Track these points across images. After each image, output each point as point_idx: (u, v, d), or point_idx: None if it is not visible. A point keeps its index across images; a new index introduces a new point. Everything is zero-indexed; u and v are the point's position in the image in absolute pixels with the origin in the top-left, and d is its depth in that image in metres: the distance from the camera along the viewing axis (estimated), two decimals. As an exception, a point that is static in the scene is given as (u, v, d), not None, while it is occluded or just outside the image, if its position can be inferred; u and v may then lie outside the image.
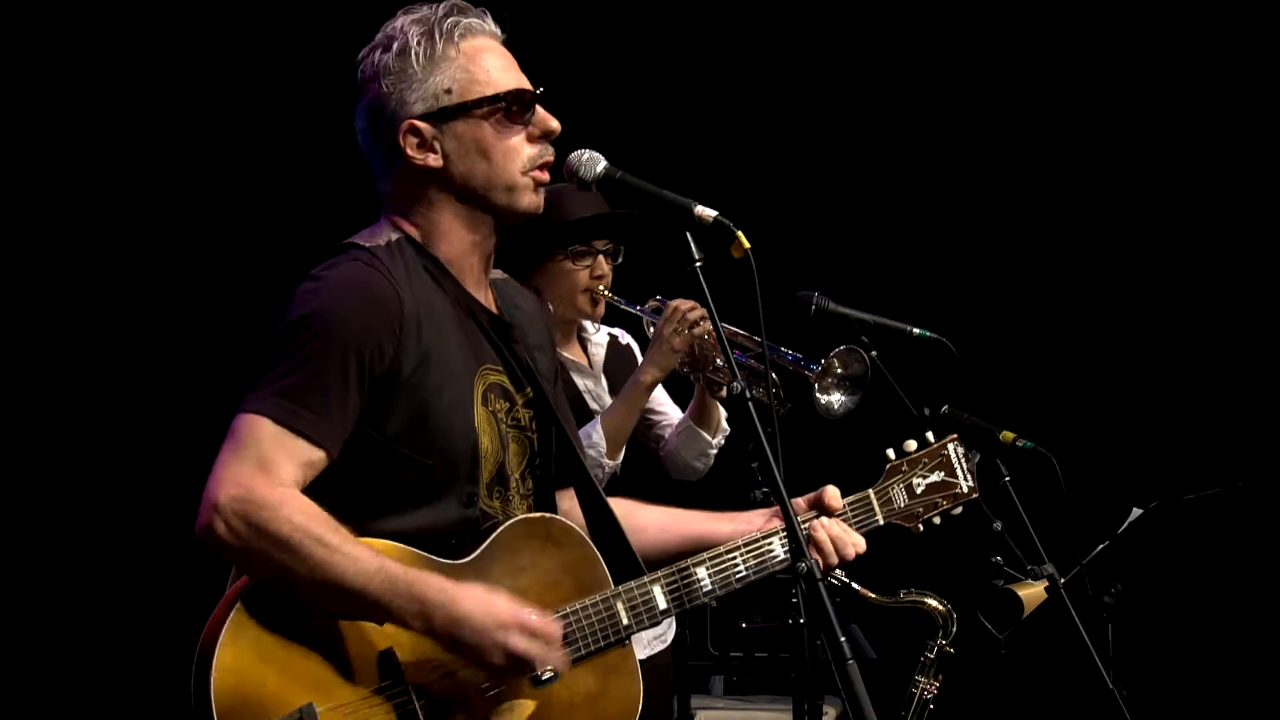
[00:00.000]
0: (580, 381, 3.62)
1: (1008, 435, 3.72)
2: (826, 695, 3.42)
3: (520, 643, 2.34)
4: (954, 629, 3.45)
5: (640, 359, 3.94)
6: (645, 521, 2.76)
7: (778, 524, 2.69)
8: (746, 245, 2.37)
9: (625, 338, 3.94)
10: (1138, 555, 4.15)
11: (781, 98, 5.74)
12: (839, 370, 3.65)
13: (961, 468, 2.85)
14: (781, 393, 3.77)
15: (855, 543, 2.67)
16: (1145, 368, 5.64)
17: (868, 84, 5.73)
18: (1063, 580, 3.51)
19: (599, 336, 3.91)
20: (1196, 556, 5.12)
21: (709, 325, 3.66)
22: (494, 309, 2.59)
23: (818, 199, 5.67)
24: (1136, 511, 4.13)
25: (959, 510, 2.83)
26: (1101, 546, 4.04)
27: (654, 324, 3.81)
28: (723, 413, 3.94)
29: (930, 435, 2.84)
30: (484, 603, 2.37)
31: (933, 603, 3.44)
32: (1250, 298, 5.70)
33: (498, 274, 2.78)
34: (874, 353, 3.57)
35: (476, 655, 2.35)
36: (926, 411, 3.56)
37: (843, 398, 3.67)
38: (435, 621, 2.33)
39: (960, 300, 5.51)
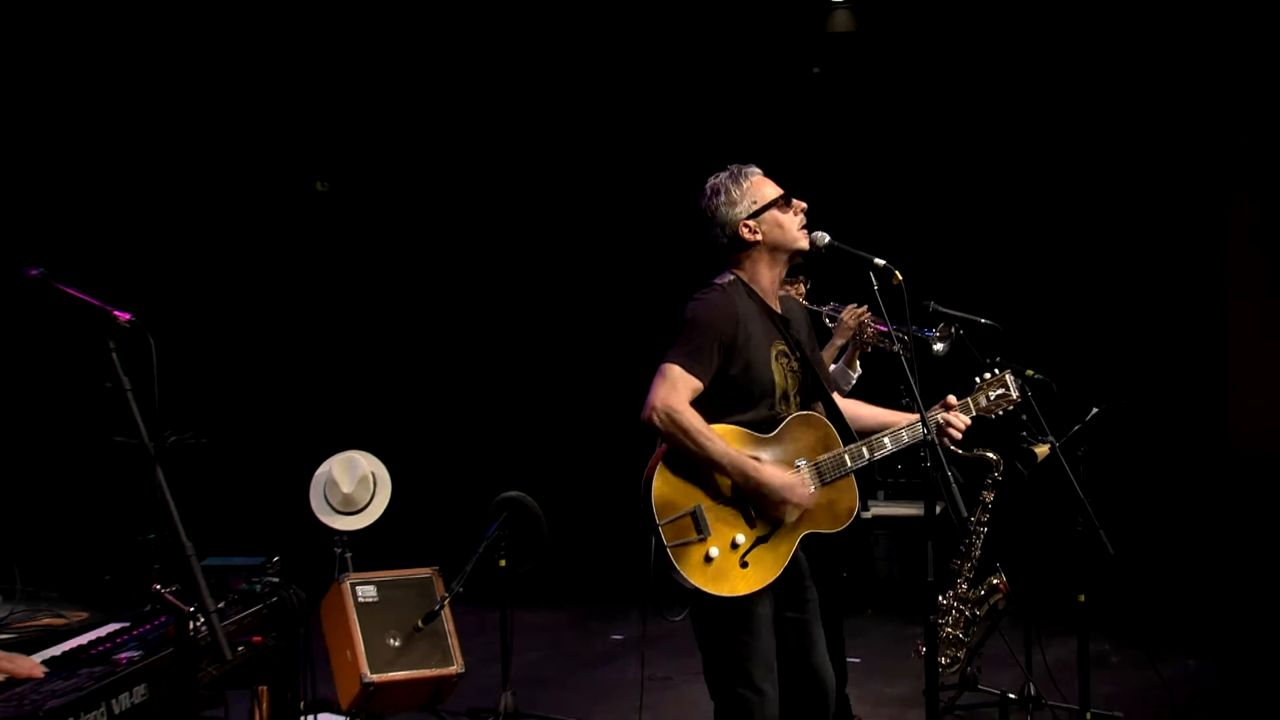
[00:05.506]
0: None
1: (1030, 371, 4.55)
2: (938, 501, 3.42)
3: (792, 497, 3.18)
4: (1002, 467, 4.35)
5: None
6: (863, 413, 3.60)
7: (915, 418, 3.44)
8: (900, 278, 3.26)
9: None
10: (1097, 432, 4.77)
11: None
12: (938, 335, 4.70)
13: (1012, 385, 3.63)
14: (913, 347, 4.56)
15: (965, 423, 3.48)
16: (1111, 330, 7.05)
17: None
18: (1058, 444, 4.38)
19: None
20: (1128, 432, 6.27)
21: (870, 317, 4.83)
22: (780, 313, 3.44)
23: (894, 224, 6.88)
24: (1095, 409, 4.79)
25: (1013, 408, 3.59)
26: (1077, 427, 4.75)
27: (831, 316, 4.89)
28: (858, 362, 4.85)
29: (996, 370, 3.61)
30: (779, 474, 3.16)
31: (990, 454, 4.37)
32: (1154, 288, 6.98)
33: (784, 294, 3.61)
34: (961, 331, 4.52)
35: (765, 499, 3.16)
36: (989, 360, 3.95)
37: (943, 346, 4.71)
38: (751, 483, 3.16)
39: (1002, 289, 6.59)
